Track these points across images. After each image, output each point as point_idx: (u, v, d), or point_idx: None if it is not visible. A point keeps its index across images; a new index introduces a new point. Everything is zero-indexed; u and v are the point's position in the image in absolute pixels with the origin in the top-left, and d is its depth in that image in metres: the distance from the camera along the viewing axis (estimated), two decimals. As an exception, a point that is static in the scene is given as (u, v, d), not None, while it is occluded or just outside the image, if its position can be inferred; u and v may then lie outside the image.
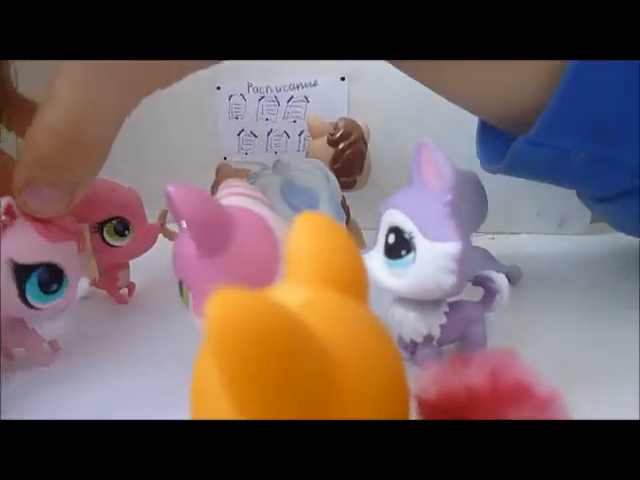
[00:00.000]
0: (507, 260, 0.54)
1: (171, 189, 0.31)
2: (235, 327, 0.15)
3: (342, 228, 0.24)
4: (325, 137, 0.69)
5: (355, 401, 0.19)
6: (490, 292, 0.40)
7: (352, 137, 0.68)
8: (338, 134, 0.68)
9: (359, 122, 0.70)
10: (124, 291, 0.61)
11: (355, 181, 0.69)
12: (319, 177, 0.53)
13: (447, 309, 0.38)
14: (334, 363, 0.19)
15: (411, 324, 0.37)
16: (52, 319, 0.46)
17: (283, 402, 0.16)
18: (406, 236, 0.34)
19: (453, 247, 0.32)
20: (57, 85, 0.31)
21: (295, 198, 0.51)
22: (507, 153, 0.45)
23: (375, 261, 0.36)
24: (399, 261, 0.35)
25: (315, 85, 0.79)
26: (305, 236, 0.24)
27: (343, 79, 0.78)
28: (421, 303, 0.37)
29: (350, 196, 0.71)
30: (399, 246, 0.35)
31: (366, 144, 0.70)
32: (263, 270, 0.32)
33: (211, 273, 0.31)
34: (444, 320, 0.37)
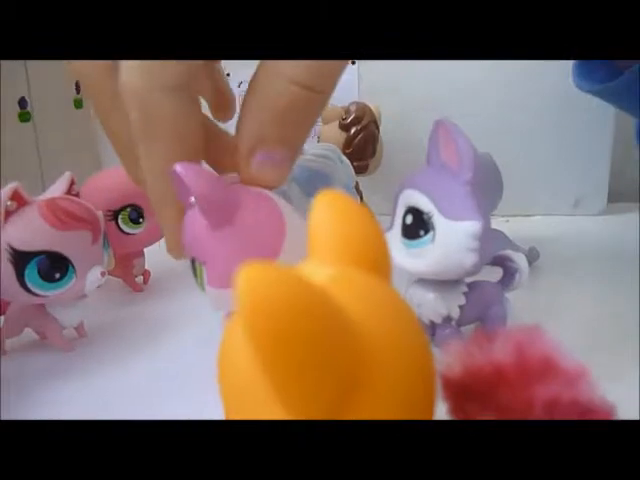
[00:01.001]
0: (523, 242, 0.54)
1: (178, 167, 0.31)
2: (268, 305, 0.15)
3: (364, 206, 0.24)
4: (337, 122, 0.68)
5: (385, 379, 0.19)
6: (509, 272, 0.40)
7: (364, 121, 0.67)
8: (350, 118, 0.67)
9: (370, 106, 0.70)
10: (139, 279, 0.62)
11: (368, 165, 0.69)
12: (333, 161, 0.52)
13: (466, 289, 0.38)
14: (363, 340, 0.19)
15: (430, 305, 0.37)
16: (69, 306, 0.47)
17: (316, 378, 0.16)
18: (424, 216, 0.34)
19: (474, 225, 0.32)
20: None
21: (309, 183, 0.51)
22: (617, 79, 0.46)
23: (393, 242, 0.36)
24: (417, 241, 0.34)
25: (325, 69, 0.78)
26: (327, 214, 0.23)
27: (354, 63, 0.77)
28: (440, 284, 0.37)
29: (362, 180, 0.70)
30: (417, 226, 0.35)
31: (378, 128, 0.70)
32: (269, 240, 0.32)
33: (222, 244, 0.31)
34: (463, 301, 0.37)
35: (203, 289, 0.34)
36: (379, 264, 0.23)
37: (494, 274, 0.41)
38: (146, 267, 0.62)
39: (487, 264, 0.39)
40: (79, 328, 0.50)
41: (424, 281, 0.38)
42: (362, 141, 0.67)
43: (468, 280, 0.38)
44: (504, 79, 0.74)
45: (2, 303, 0.46)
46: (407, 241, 0.35)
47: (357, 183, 0.67)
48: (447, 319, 0.38)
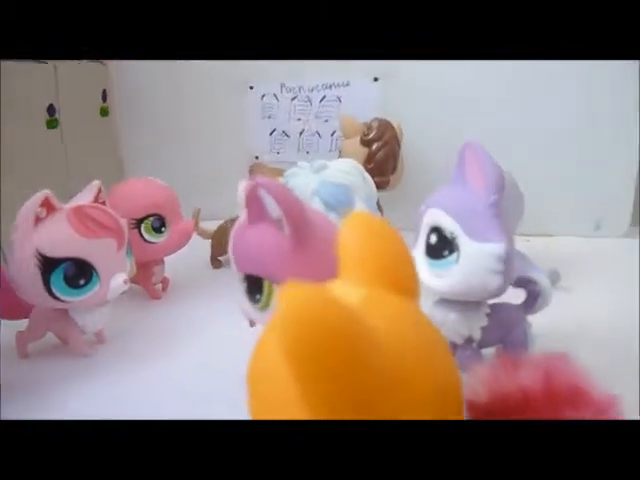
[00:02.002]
0: (544, 263, 0.54)
1: (263, 182, 0.30)
2: (307, 326, 0.15)
3: (392, 228, 0.24)
4: (358, 137, 0.69)
5: (411, 398, 0.19)
6: (532, 295, 0.39)
7: (385, 137, 0.68)
8: (371, 134, 0.68)
9: (392, 122, 0.70)
10: (158, 286, 0.62)
11: (389, 181, 0.69)
12: (355, 176, 0.52)
13: (488, 311, 0.37)
14: (391, 361, 0.19)
15: (452, 325, 0.37)
16: (91, 312, 0.47)
17: (346, 396, 0.17)
18: (448, 236, 0.34)
19: (499, 248, 0.32)
20: None
21: (331, 197, 0.51)
22: None
23: (417, 261, 0.36)
24: (441, 261, 0.34)
25: (347, 85, 0.79)
26: (358, 235, 0.24)
27: (376, 80, 0.78)
28: (462, 304, 0.37)
29: (382, 196, 0.70)
30: (441, 246, 0.35)
31: (399, 144, 0.70)
32: (333, 265, 0.32)
33: (302, 266, 0.30)
34: (485, 322, 0.37)
35: (265, 307, 0.33)
36: (408, 285, 0.23)
37: (516, 296, 0.40)
38: (165, 275, 0.63)
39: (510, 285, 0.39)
40: (99, 334, 0.50)
41: (447, 301, 0.37)
42: (383, 157, 0.67)
43: (490, 302, 0.38)
44: (526, 97, 0.75)
45: (26, 307, 0.47)
46: (431, 260, 0.35)
47: (377, 199, 0.67)
48: (468, 340, 0.37)
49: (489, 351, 0.40)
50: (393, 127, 0.69)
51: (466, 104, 0.76)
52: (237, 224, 0.35)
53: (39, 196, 0.42)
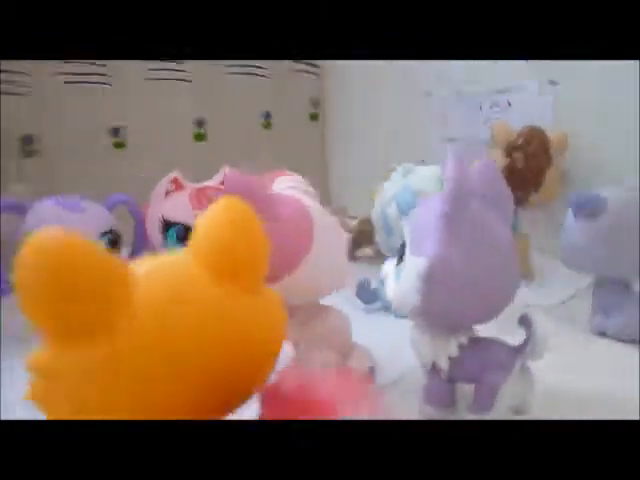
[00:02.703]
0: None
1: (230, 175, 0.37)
2: (33, 247, 0.21)
3: (253, 220, 0.27)
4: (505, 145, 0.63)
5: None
6: (530, 336, 0.32)
7: (531, 148, 0.59)
8: (516, 143, 0.61)
9: (556, 132, 0.61)
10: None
11: (525, 196, 0.61)
12: (433, 184, 0.50)
13: (464, 342, 0.32)
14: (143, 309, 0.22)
15: (418, 347, 0.34)
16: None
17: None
18: (403, 247, 0.32)
19: (421, 263, 0.28)
20: None
21: (405, 203, 0.50)
22: None
23: (388, 270, 0.34)
24: (397, 270, 0.32)
25: (521, 90, 0.71)
26: (209, 217, 0.27)
27: (552, 83, 0.68)
28: (436, 329, 0.33)
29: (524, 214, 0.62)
30: (399, 256, 0.32)
31: (549, 158, 0.60)
32: (295, 242, 0.35)
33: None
34: (455, 353, 0.32)
35: None
36: (243, 275, 0.25)
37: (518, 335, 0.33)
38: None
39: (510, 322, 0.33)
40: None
41: (424, 323, 0.34)
42: (525, 170, 0.60)
43: (475, 335, 0.33)
44: None
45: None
46: (396, 270, 0.33)
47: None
48: (436, 369, 0.34)
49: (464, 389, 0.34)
50: (544, 137, 0.60)
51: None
52: None
53: (170, 176, 0.56)
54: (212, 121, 0.94)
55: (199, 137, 0.93)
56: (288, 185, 0.41)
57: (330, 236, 0.38)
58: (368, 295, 0.55)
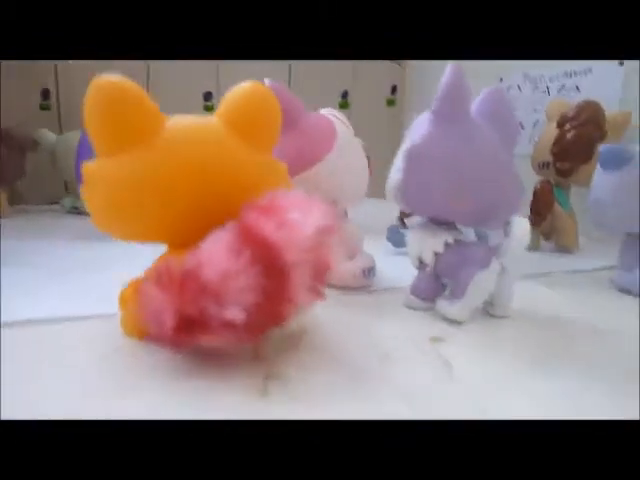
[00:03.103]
0: None
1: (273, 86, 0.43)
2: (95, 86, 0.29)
3: (272, 100, 0.33)
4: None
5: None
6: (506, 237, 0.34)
7: (581, 119, 0.59)
8: (567, 115, 0.61)
9: (622, 113, 0.60)
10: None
11: (571, 169, 0.61)
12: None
13: (450, 240, 0.36)
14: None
15: (409, 243, 0.38)
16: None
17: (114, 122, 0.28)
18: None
19: (407, 144, 0.32)
20: None
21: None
22: None
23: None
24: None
25: (589, 72, 0.71)
26: (237, 90, 0.33)
27: (621, 64, 0.67)
28: (428, 228, 0.37)
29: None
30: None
31: (602, 132, 0.59)
32: (318, 141, 0.41)
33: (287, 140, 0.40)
34: (440, 249, 0.36)
35: None
36: (244, 130, 0.31)
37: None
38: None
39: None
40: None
41: (422, 221, 0.38)
42: (571, 140, 0.60)
43: (461, 237, 0.36)
44: None
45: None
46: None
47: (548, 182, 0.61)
48: (422, 264, 0.37)
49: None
50: (597, 110, 0.59)
51: None
52: None
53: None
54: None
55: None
56: (327, 112, 0.46)
57: (351, 150, 0.43)
58: (398, 238, 0.59)
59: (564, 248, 0.64)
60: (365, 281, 0.42)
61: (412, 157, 0.32)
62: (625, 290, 0.46)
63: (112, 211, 0.30)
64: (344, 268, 0.41)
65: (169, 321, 0.24)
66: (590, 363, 0.29)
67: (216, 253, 0.25)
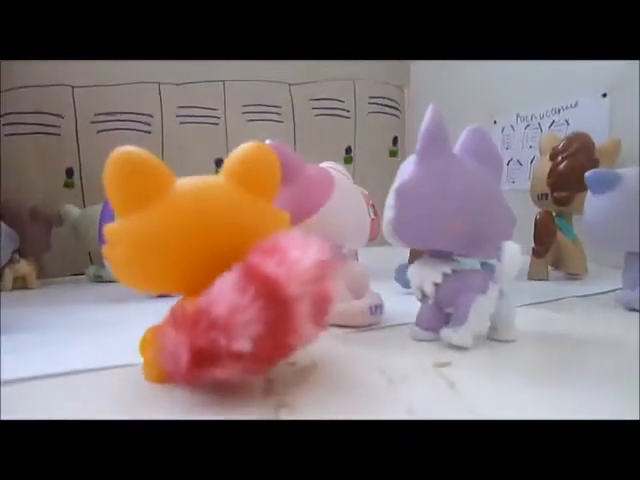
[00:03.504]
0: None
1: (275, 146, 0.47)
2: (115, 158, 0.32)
3: (272, 156, 0.36)
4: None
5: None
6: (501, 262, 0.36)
7: (571, 149, 0.62)
8: (559, 147, 0.64)
9: (611, 140, 0.63)
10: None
11: (569, 197, 0.62)
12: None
13: (448, 271, 0.37)
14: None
15: (411, 276, 0.40)
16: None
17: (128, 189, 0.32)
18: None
19: (398, 183, 0.35)
20: None
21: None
22: None
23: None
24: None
25: (576, 106, 0.74)
26: (240, 149, 0.37)
27: (604, 95, 0.70)
28: (427, 260, 0.39)
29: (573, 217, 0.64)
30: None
31: (592, 159, 0.62)
32: (316, 190, 0.44)
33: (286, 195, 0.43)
34: (439, 279, 0.37)
35: None
36: (247, 183, 0.34)
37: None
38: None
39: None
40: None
41: (424, 255, 0.40)
42: (564, 170, 0.62)
43: (459, 268, 0.38)
44: None
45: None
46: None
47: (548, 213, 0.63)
48: (424, 295, 0.39)
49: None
50: (586, 140, 0.62)
51: None
52: None
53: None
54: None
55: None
56: (326, 165, 0.50)
57: (350, 196, 0.46)
58: (406, 278, 0.60)
59: (573, 275, 0.65)
60: (373, 318, 0.44)
61: (401, 194, 0.35)
62: (631, 308, 0.46)
63: (132, 265, 0.32)
64: (352, 306, 0.43)
65: (184, 356, 0.26)
66: (598, 378, 0.30)
67: (224, 291, 0.27)
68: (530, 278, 0.66)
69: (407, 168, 0.36)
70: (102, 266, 0.81)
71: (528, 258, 0.68)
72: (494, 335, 0.38)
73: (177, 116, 1.01)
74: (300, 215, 0.43)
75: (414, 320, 0.40)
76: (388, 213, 0.36)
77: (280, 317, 0.27)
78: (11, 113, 0.91)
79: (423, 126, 0.36)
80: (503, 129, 0.89)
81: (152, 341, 0.30)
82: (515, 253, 0.35)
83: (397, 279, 0.61)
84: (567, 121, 0.76)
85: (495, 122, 0.91)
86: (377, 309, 0.43)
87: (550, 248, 0.65)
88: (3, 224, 0.50)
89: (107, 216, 0.64)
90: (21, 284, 0.79)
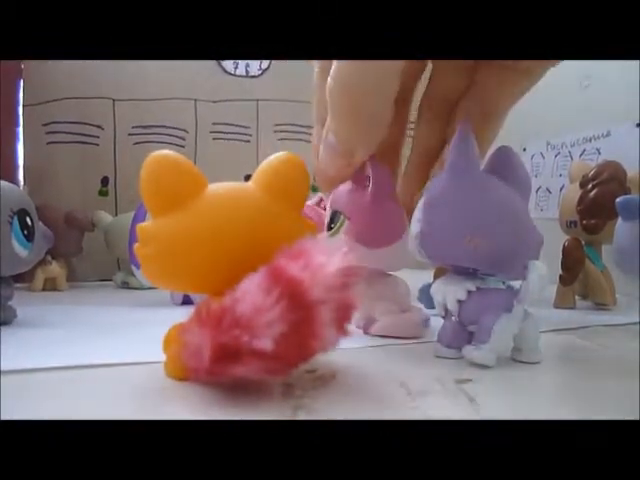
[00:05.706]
0: None
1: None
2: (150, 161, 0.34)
3: (303, 167, 0.37)
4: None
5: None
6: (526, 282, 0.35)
7: (602, 177, 0.62)
8: (590, 174, 0.63)
9: (626, 168, 0.62)
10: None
11: (599, 225, 0.62)
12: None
13: (472, 288, 0.37)
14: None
15: (434, 292, 0.39)
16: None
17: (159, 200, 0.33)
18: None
19: (423, 196, 0.36)
20: None
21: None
22: None
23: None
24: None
25: (608, 135, 0.74)
26: (271, 159, 0.38)
27: (638, 125, 0.69)
28: (452, 276, 0.39)
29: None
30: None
31: (624, 187, 0.61)
32: (395, 222, 0.44)
33: (372, 215, 0.43)
34: (463, 296, 0.37)
35: (334, 234, 0.45)
36: (276, 191, 0.35)
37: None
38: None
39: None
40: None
41: (448, 272, 0.40)
42: (594, 198, 0.61)
43: (483, 286, 0.38)
44: None
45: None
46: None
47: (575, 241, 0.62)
48: (448, 312, 0.39)
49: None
50: (618, 168, 0.62)
51: None
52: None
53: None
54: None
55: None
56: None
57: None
58: (429, 299, 0.60)
59: (601, 305, 0.64)
60: (427, 330, 0.45)
61: (429, 207, 0.35)
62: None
63: (161, 263, 0.33)
64: (409, 318, 0.45)
65: (207, 352, 0.26)
66: (620, 405, 0.29)
67: (249, 291, 0.28)
68: (556, 306, 0.65)
69: (436, 182, 0.37)
70: (130, 273, 0.83)
71: (555, 287, 0.67)
72: (518, 356, 0.37)
73: (210, 132, 1.04)
74: (381, 241, 0.43)
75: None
76: (415, 227, 0.36)
77: (302, 319, 0.27)
78: (55, 122, 0.95)
79: (453, 141, 0.37)
80: (532, 157, 0.88)
81: (176, 337, 0.31)
82: (542, 272, 0.35)
83: (420, 299, 0.61)
84: (598, 150, 0.76)
85: (524, 149, 0.90)
86: (427, 322, 0.45)
87: (578, 275, 0.64)
88: (41, 223, 0.52)
89: (140, 218, 0.66)
90: (51, 286, 0.82)
